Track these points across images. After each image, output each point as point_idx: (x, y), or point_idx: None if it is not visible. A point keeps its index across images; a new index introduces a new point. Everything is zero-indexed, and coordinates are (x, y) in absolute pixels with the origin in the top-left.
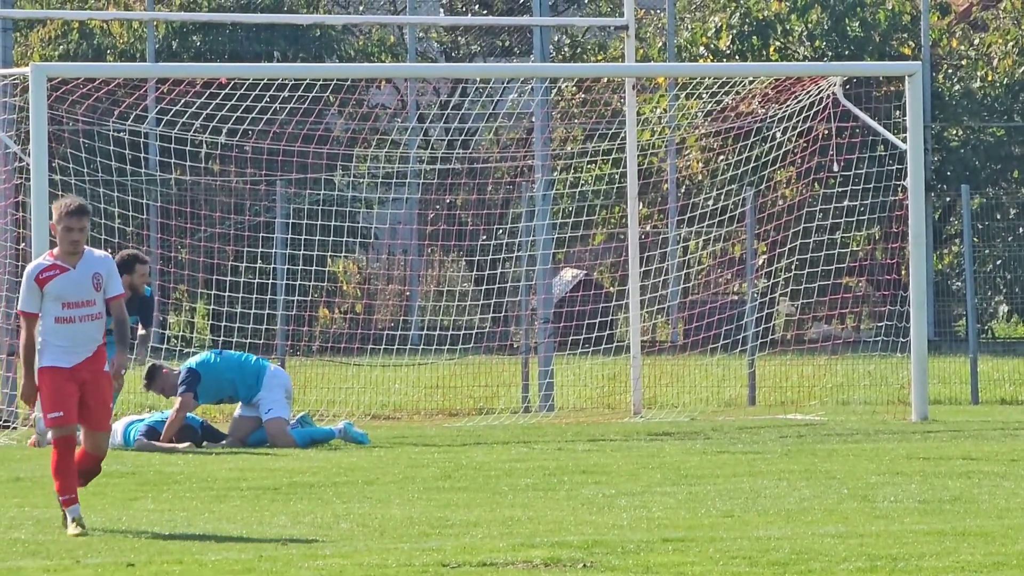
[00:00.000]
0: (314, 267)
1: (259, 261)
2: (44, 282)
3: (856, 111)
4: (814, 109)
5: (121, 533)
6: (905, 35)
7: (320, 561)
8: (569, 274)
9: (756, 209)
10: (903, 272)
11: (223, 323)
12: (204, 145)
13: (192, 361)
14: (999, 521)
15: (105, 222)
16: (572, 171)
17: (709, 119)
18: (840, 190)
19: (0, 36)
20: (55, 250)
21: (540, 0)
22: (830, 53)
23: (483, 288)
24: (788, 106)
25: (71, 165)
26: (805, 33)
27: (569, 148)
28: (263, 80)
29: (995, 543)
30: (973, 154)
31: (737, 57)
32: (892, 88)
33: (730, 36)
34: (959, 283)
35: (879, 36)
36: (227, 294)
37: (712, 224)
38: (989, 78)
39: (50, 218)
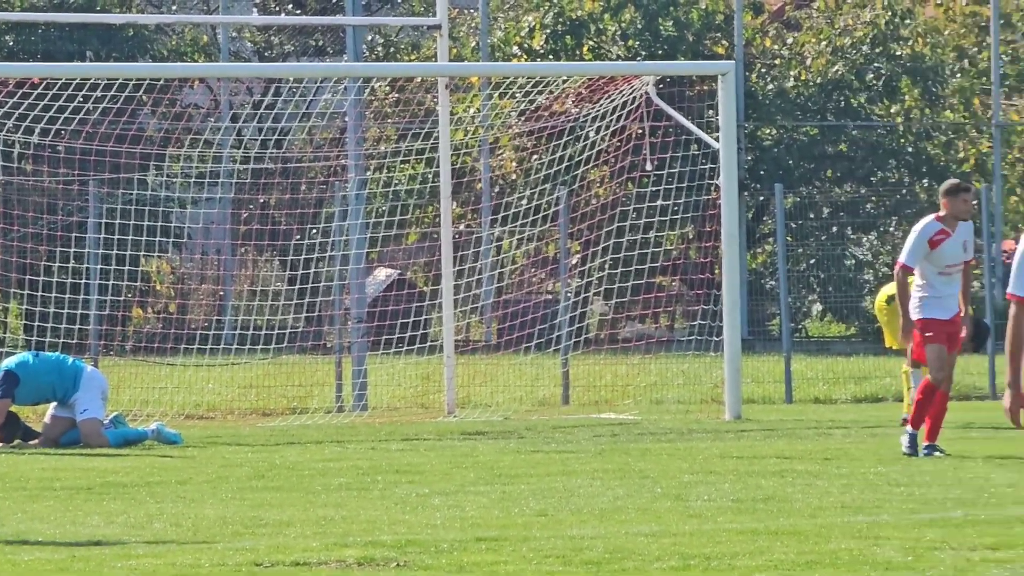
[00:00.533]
0: (127, 267)
1: (72, 261)
2: None
3: (669, 110)
4: (627, 108)
5: None
6: (718, 34)
7: (133, 561)
8: (383, 274)
9: (569, 208)
10: (716, 271)
11: (36, 323)
12: (16, 145)
13: (10, 363)
14: (812, 520)
15: None
16: (385, 171)
17: (523, 119)
18: (653, 189)
19: None
20: None
21: (353, 0)
22: (643, 52)
23: (296, 288)
24: (601, 105)
25: None
26: (618, 32)
27: (382, 148)
28: (76, 80)
29: (808, 542)
30: (786, 153)
31: (551, 56)
32: (705, 87)
33: (543, 36)
34: (773, 282)
35: (692, 35)
36: (40, 294)
37: (526, 223)
38: (802, 77)
39: None
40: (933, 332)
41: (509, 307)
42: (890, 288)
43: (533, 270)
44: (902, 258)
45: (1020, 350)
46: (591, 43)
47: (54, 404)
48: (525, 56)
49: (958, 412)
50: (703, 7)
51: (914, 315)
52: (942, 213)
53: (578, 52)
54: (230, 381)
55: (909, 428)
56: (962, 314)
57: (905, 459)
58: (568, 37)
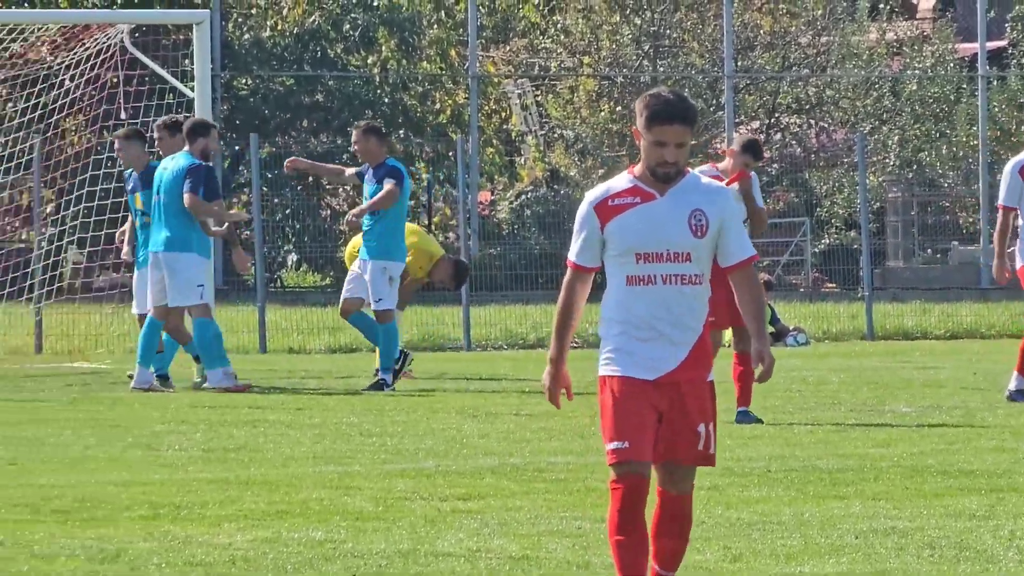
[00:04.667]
0: None
1: None
2: None
3: (144, 59)
4: (102, 57)
5: None
6: None
7: None
8: None
9: (43, 157)
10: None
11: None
12: None
13: None
14: (283, 470)
15: None
16: None
17: None
18: None
19: None
20: None
21: None
22: (119, 1)
23: None
24: (76, 54)
25: None
26: None
27: None
28: None
29: (278, 491)
30: (263, 103)
31: (26, 4)
32: (181, 36)
33: None
34: (248, 231)
35: None
36: None
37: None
38: (279, 28)
39: None
40: None
41: None
42: (359, 239)
43: (6, 218)
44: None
45: (571, 321)
46: None
47: None
48: (2, 3)
49: (432, 363)
50: None
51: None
52: None
53: (56, 0)
54: None
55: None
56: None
57: (377, 410)
58: None
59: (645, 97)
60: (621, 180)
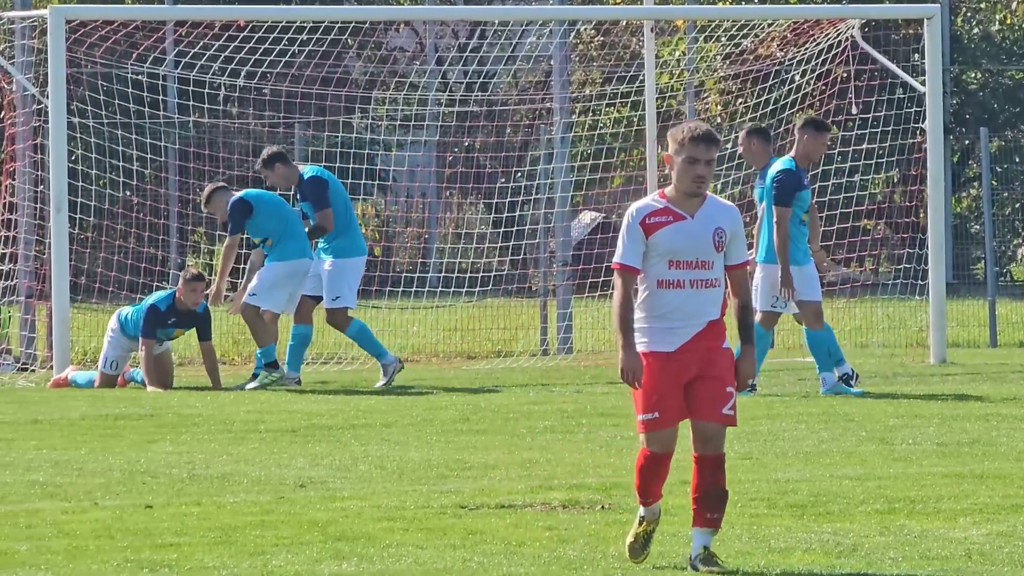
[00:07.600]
0: None
1: None
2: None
3: (875, 54)
4: (832, 52)
5: (139, 475)
6: None
7: (338, 503)
8: (587, 217)
9: (775, 152)
10: (921, 215)
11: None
12: (222, 88)
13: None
14: (1017, 464)
15: (124, 165)
16: (590, 114)
17: (728, 62)
18: (859, 133)
19: None
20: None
21: None
22: None
23: (501, 231)
24: (807, 49)
25: (89, 108)
26: None
27: (587, 91)
28: (282, 23)
29: (1013, 485)
30: (992, 97)
31: (756, 0)
32: (911, 31)
33: None
34: (978, 226)
35: None
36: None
37: (730, 167)
38: (1007, 21)
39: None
40: None
41: None
42: None
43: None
44: None
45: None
46: None
47: None
48: (731, 0)
49: None
50: None
51: None
52: None
53: None
54: (435, 324)
55: None
56: None
57: None
58: None
59: None
60: None
